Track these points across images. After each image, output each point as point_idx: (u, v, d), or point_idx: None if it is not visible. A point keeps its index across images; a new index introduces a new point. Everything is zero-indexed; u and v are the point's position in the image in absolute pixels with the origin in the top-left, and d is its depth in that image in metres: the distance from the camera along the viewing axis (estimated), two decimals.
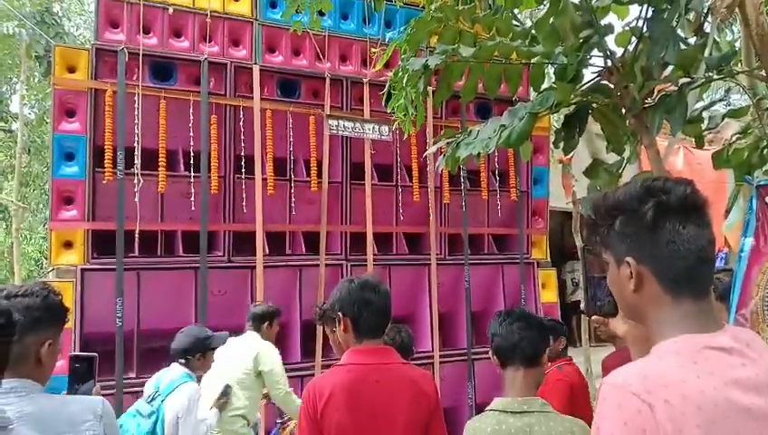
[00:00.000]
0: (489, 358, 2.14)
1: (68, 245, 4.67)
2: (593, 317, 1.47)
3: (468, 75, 2.15)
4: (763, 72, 2.02)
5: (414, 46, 2.37)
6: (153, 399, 3.25)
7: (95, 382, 1.91)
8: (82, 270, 4.60)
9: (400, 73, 2.79)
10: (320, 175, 5.27)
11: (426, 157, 5.52)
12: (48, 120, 10.67)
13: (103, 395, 1.86)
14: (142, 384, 4.62)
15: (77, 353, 2.00)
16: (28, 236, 14.12)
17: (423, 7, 4.53)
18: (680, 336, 1.11)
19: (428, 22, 2.08)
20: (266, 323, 4.26)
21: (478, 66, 2.05)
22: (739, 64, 2.94)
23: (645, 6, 1.85)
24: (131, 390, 4.54)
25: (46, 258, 14.84)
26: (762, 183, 2.21)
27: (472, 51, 1.84)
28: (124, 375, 4.55)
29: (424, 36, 2.18)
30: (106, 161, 4.60)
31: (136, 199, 4.63)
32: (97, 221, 4.68)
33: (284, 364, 5.15)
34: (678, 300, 1.13)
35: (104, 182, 4.63)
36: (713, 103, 2.59)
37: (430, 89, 2.38)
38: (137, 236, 4.68)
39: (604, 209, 1.21)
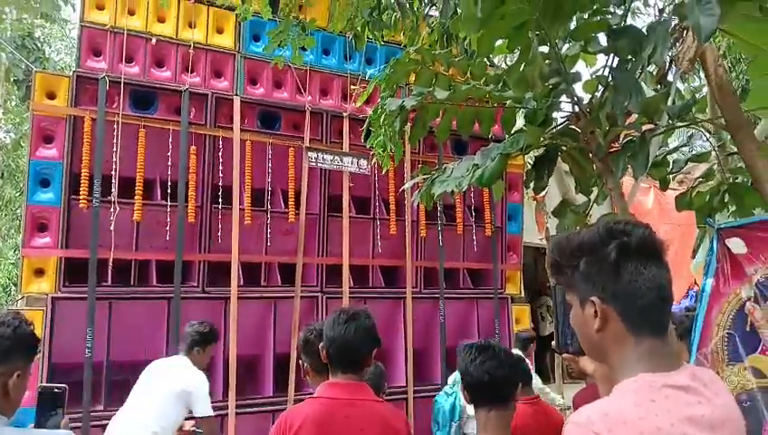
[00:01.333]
0: None
1: (39, 272, 4.60)
2: (564, 355, 1.51)
3: (443, 116, 2.22)
4: (723, 120, 2.13)
5: (392, 86, 2.45)
6: None
7: (64, 415, 1.88)
8: (53, 298, 4.53)
9: (379, 111, 2.87)
10: (297, 206, 5.30)
11: (403, 191, 5.60)
12: (24, 145, 10.59)
13: (71, 428, 1.84)
14: (110, 417, 4.53)
15: (45, 385, 1.97)
16: None
17: (404, 46, 4.67)
18: (640, 375, 1.15)
19: (406, 63, 2.16)
20: (198, 348, 3.85)
21: (452, 108, 2.13)
22: (706, 111, 3.08)
23: (611, 56, 1.94)
24: (98, 423, 4.45)
25: (15, 285, 14.53)
26: (722, 226, 2.30)
27: (446, 94, 1.92)
28: (91, 407, 4.45)
29: (402, 77, 2.25)
30: (82, 188, 4.58)
31: (111, 228, 4.60)
32: (70, 249, 4.63)
33: (256, 398, 5.12)
34: (639, 339, 1.18)
35: (79, 209, 4.60)
36: (677, 148, 2.69)
37: (408, 126, 2.45)
38: (110, 264, 4.64)
39: (569, 251, 1.26)
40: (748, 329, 2.27)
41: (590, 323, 1.22)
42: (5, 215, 12.54)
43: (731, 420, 1.18)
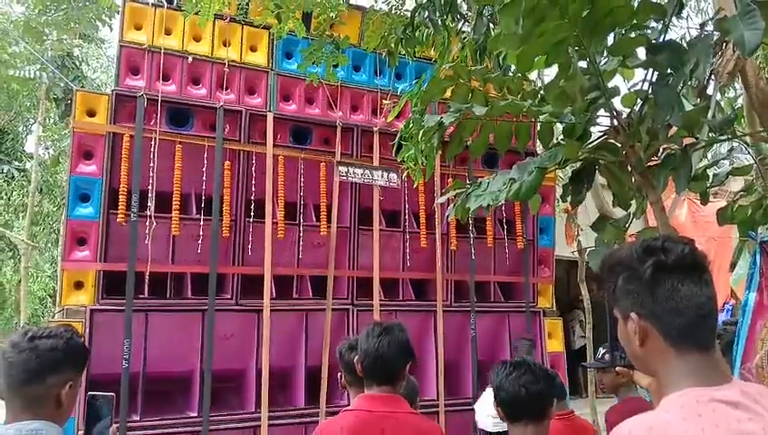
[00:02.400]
0: None
1: (79, 285, 4.73)
2: (617, 368, 1.51)
3: (480, 131, 2.24)
4: (764, 133, 2.11)
5: (426, 101, 2.47)
6: None
7: (112, 422, 1.93)
8: (92, 310, 4.64)
9: (411, 126, 2.89)
10: (329, 220, 5.35)
11: (433, 203, 5.61)
12: (62, 161, 10.89)
13: None
14: (145, 428, 4.63)
15: (94, 393, 2.03)
16: (35, 275, 14.17)
17: (434, 61, 4.70)
18: (686, 389, 1.15)
19: (442, 81, 2.18)
20: None
21: (490, 123, 2.14)
22: (743, 124, 3.04)
23: (650, 70, 1.94)
24: (135, 433, 4.53)
25: (51, 297, 14.89)
26: (765, 239, 2.26)
27: (484, 109, 1.94)
28: (128, 418, 4.53)
29: (437, 93, 2.28)
30: (120, 203, 4.70)
31: (147, 241, 4.70)
32: (108, 262, 4.74)
33: (288, 410, 5.15)
34: (682, 354, 1.18)
35: (117, 224, 4.71)
36: (717, 161, 2.66)
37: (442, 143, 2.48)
38: (147, 277, 4.74)
39: (609, 267, 1.28)
40: None
41: (633, 339, 1.22)
42: (44, 229, 12.89)
43: None
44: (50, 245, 13.72)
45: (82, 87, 8.73)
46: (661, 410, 1.15)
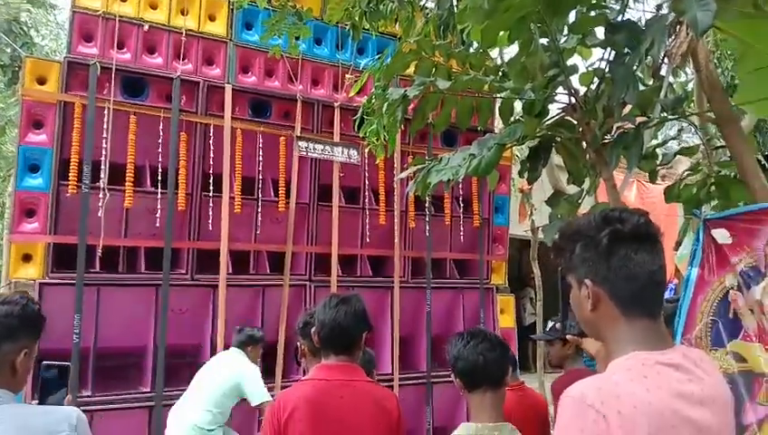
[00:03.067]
0: (448, 381, 2.17)
1: (27, 258, 4.58)
2: (568, 336, 1.57)
3: (442, 106, 2.27)
4: (712, 115, 2.21)
5: (390, 76, 2.49)
6: None
7: (68, 392, 1.91)
8: (41, 284, 4.51)
9: (374, 100, 2.90)
10: (287, 195, 5.32)
11: (392, 181, 5.64)
12: (8, 131, 10.43)
13: None
14: (97, 403, 4.55)
15: (49, 362, 1.99)
16: None
17: (398, 37, 4.69)
18: (632, 353, 1.22)
19: (406, 54, 2.19)
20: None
21: (452, 98, 2.17)
22: (692, 105, 3.16)
23: (608, 49, 2.00)
24: (86, 408, 4.44)
25: None
26: (708, 217, 2.38)
27: (448, 84, 1.96)
28: (78, 394, 4.45)
29: (400, 67, 2.29)
30: (71, 174, 4.55)
31: (100, 214, 4.59)
32: (59, 235, 4.61)
33: None
34: (631, 319, 1.25)
35: (68, 195, 4.58)
36: (666, 141, 2.77)
37: (405, 117, 2.49)
38: (99, 251, 4.64)
39: (567, 235, 1.34)
40: (731, 316, 2.35)
41: (585, 304, 1.29)
42: None
43: (720, 398, 1.25)
44: None
45: (31, 54, 8.36)
46: (609, 373, 1.22)
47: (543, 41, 1.85)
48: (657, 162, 2.57)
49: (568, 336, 1.55)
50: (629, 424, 1.09)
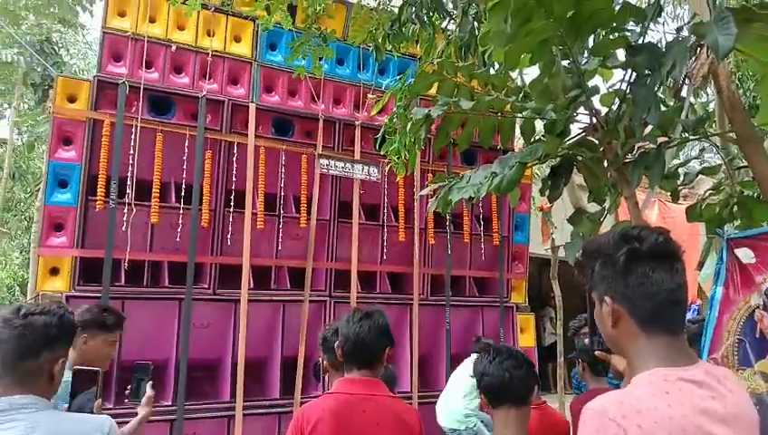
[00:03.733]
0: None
1: (55, 271, 4.69)
2: (597, 352, 1.59)
3: (465, 125, 2.31)
4: (734, 135, 2.22)
5: (413, 95, 2.54)
6: None
7: (98, 397, 1.96)
8: (68, 297, 4.60)
9: (396, 119, 2.95)
10: (308, 212, 5.39)
11: (412, 198, 5.68)
12: (36, 148, 10.69)
13: None
14: (118, 416, 4.59)
15: (79, 368, 2.05)
16: (3, 262, 13.89)
17: (418, 58, 4.76)
18: (654, 369, 1.23)
19: (429, 75, 2.25)
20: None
21: (475, 118, 2.21)
22: (713, 126, 3.16)
23: (628, 71, 2.03)
24: None
25: (20, 286, 14.58)
26: (731, 236, 2.38)
27: (471, 104, 2.00)
28: (102, 405, 4.50)
29: (423, 88, 2.34)
30: (99, 190, 4.67)
31: (125, 228, 4.69)
32: (86, 248, 4.72)
33: (263, 401, 5.17)
34: (651, 336, 1.26)
35: (95, 210, 4.68)
36: (688, 161, 2.78)
37: (428, 136, 2.54)
38: (124, 264, 4.73)
39: (588, 253, 1.36)
40: (758, 335, 2.34)
41: (606, 321, 1.30)
42: (15, 215, 12.64)
43: (744, 416, 1.24)
44: (19, 232, 13.46)
45: (61, 72, 8.60)
46: (632, 387, 1.23)
47: (565, 63, 1.89)
48: (679, 182, 2.58)
49: (596, 353, 1.56)
50: None
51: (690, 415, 1.15)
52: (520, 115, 2.17)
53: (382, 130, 3.29)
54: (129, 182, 4.76)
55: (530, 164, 2.26)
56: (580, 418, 1.22)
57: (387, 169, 3.75)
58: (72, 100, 4.78)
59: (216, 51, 5.29)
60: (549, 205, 6.95)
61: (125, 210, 4.72)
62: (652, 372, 1.22)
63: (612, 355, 1.57)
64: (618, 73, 2.18)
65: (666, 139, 2.04)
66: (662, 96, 1.99)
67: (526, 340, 6.44)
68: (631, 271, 1.26)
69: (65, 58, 10.74)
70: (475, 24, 2.98)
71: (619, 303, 1.27)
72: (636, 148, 2.21)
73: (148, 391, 2.64)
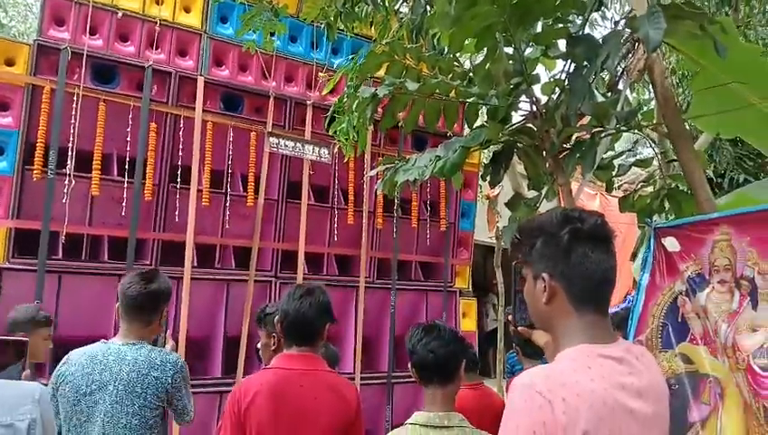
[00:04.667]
0: (409, 382, 2.25)
1: None
2: (519, 328, 1.65)
3: (411, 107, 2.34)
4: (665, 129, 2.33)
5: (363, 75, 2.55)
6: None
7: (25, 367, 1.92)
8: (1, 269, 4.44)
9: (346, 99, 2.96)
10: (256, 191, 5.34)
11: (362, 181, 5.70)
12: None
13: None
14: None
15: (4, 338, 2.00)
16: None
17: (374, 39, 4.76)
18: (579, 345, 1.30)
19: (378, 55, 2.26)
20: None
21: (421, 100, 2.25)
22: (651, 119, 3.28)
23: (568, 61, 2.10)
24: None
25: None
26: (658, 226, 2.50)
27: (417, 85, 2.03)
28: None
29: (373, 68, 2.35)
30: (37, 159, 4.50)
31: (64, 200, 4.54)
32: (21, 219, 4.55)
33: (205, 379, 5.13)
34: (582, 314, 1.33)
35: (33, 180, 4.52)
36: (622, 153, 2.90)
37: (375, 117, 2.56)
38: (62, 237, 4.59)
39: (528, 231, 1.41)
40: (679, 320, 2.48)
41: (540, 297, 1.36)
42: None
43: (657, 390, 1.34)
44: None
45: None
46: (557, 362, 1.30)
47: (508, 50, 1.94)
48: (614, 173, 2.68)
49: (519, 328, 1.62)
50: (573, 410, 1.17)
51: (610, 389, 1.22)
52: (464, 99, 2.21)
53: (332, 109, 3.29)
54: (69, 153, 4.60)
55: (473, 149, 2.31)
56: (507, 394, 1.28)
57: (336, 150, 3.75)
58: (9, 63, 4.56)
59: (163, 20, 5.13)
60: (495, 193, 7.10)
61: (65, 181, 4.56)
62: (576, 349, 1.29)
63: (534, 331, 1.64)
64: (560, 65, 2.25)
65: (600, 129, 2.12)
66: (598, 87, 2.07)
67: (468, 324, 6.59)
68: (573, 250, 1.31)
69: (4, 20, 10.19)
70: (428, 7, 2.99)
71: (557, 280, 1.33)
72: (573, 137, 2.29)
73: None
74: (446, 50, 2.47)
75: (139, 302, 2.49)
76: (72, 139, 4.60)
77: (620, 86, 2.22)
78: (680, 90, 6.58)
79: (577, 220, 1.33)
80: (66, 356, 2.47)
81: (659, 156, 2.79)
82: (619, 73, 2.15)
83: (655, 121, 2.78)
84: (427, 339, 2.14)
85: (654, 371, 1.39)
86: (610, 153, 2.61)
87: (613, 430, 1.20)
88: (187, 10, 5.31)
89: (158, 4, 5.14)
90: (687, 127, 2.77)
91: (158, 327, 2.63)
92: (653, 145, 2.82)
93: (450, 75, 2.20)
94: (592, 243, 1.32)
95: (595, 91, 1.94)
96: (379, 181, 2.75)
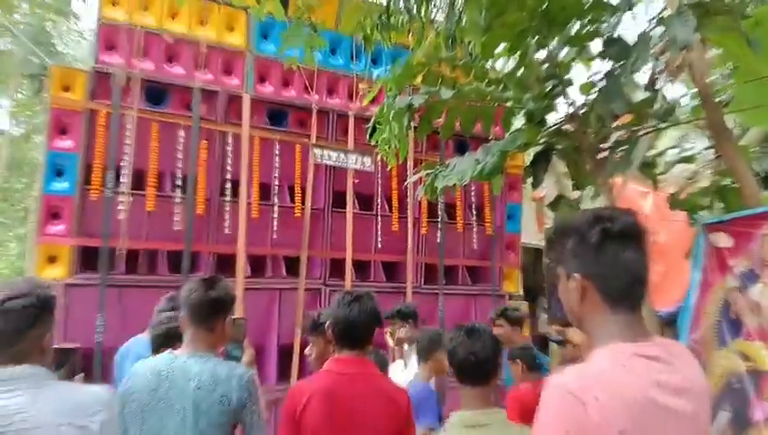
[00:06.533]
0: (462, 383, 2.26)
1: (53, 259, 4.76)
2: (553, 326, 1.66)
3: (447, 114, 2.38)
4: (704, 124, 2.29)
5: (400, 86, 2.60)
6: None
7: (76, 372, 2.02)
8: (66, 284, 4.68)
9: (386, 109, 3.02)
10: (303, 201, 5.46)
11: (406, 188, 5.75)
12: (33, 138, 10.72)
13: None
14: None
15: (59, 346, 2.11)
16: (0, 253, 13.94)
17: (411, 48, 4.82)
18: (613, 344, 1.30)
19: (414, 66, 2.31)
20: None
21: (456, 107, 2.28)
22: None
23: (606, 61, 2.10)
24: None
25: (19, 275, 14.63)
26: (707, 222, 2.46)
27: (451, 93, 2.07)
28: None
29: (409, 78, 2.40)
30: (95, 179, 4.73)
31: (121, 217, 4.75)
32: (83, 237, 4.79)
33: (260, 387, 5.25)
34: (614, 312, 1.33)
35: (92, 199, 4.75)
36: (665, 150, 2.86)
37: (413, 125, 2.61)
38: (121, 253, 4.80)
39: (561, 231, 1.43)
40: (733, 316, 2.42)
41: (573, 296, 1.37)
42: (12, 205, 12.68)
43: (696, 387, 1.31)
44: (16, 223, 13.51)
45: (55, 62, 8.62)
46: (590, 361, 1.30)
47: (542, 53, 1.96)
48: (659, 170, 2.65)
49: (554, 326, 1.63)
50: (607, 410, 1.17)
51: (644, 387, 1.22)
52: (500, 105, 2.24)
53: (373, 119, 3.35)
54: (125, 171, 4.82)
55: (511, 152, 2.33)
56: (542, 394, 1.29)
57: (379, 158, 3.82)
58: (67, 90, 4.83)
59: (209, 41, 5.33)
60: (541, 195, 7.02)
61: (120, 199, 4.78)
62: (610, 347, 1.29)
63: (569, 329, 1.64)
64: (602, 65, 2.24)
65: (638, 127, 2.11)
66: (631, 88, 2.06)
67: None
68: (603, 249, 1.32)
69: (59, 48, 10.73)
70: (462, 16, 3.03)
71: (589, 279, 1.34)
72: (613, 137, 2.28)
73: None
74: (478, 57, 2.50)
75: (202, 308, 2.40)
76: (127, 158, 4.82)
77: (659, 84, 2.20)
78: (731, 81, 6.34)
79: (607, 220, 1.33)
80: (132, 370, 2.39)
81: (706, 151, 2.74)
82: (657, 72, 2.13)
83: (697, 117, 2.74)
84: (471, 341, 2.17)
85: (694, 369, 1.37)
86: (654, 151, 2.58)
87: (649, 428, 1.19)
88: (231, 29, 5.49)
89: (202, 25, 5.34)
90: (736, 122, 2.71)
91: (225, 335, 2.51)
92: (696, 141, 2.77)
93: (485, 81, 2.23)
94: (623, 242, 1.32)
95: (635, 91, 1.94)
96: (420, 187, 2.80)
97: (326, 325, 2.44)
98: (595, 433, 1.16)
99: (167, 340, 2.95)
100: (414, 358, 3.92)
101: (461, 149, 6.25)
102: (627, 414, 1.18)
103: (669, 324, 2.55)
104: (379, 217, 5.86)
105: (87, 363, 4.45)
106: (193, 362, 2.32)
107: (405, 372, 4.07)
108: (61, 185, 4.77)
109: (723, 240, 2.44)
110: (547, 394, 1.25)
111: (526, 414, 3.12)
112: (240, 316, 2.89)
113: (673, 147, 3.10)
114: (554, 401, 1.22)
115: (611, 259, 1.32)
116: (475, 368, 2.12)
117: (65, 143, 4.79)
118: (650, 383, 1.23)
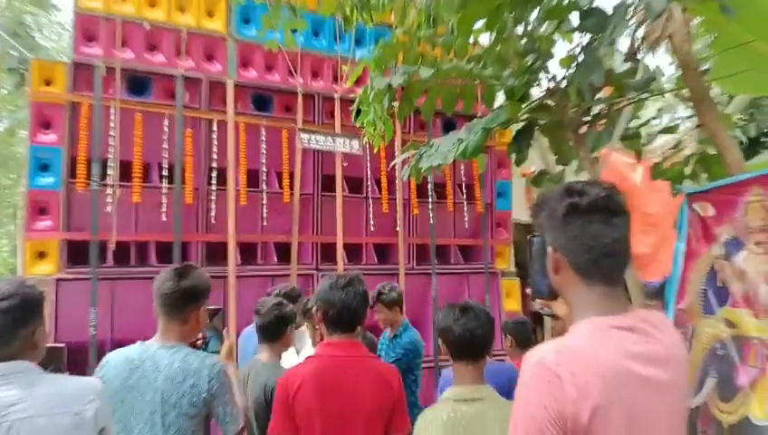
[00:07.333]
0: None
1: (42, 255, 4.74)
2: (538, 299, 1.67)
3: (428, 94, 2.36)
4: (685, 93, 2.29)
5: (381, 67, 2.58)
6: None
7: (64, 371, 2.04)
8: (57, 280, 4.67)
9: (368, 91, 3.00)
10: (292, 187, 5.44)
11: (395, 169, 5.73)
12: (18, 133, 10.60)
13: None
14: None
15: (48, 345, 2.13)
16: None
17: (394, 27, 4.77)
18: (590, 317, 1.31)
19: (394, 45, 2.29)
20: None
21: (436, 86, 2.27)
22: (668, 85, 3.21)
23: (584, 34, 2.09)
24: None
25: (11, 272, 14.57)
26: (690, 191, 2.47)
27: (430, 72, 2.06)
28: None
29: (390, 58, 2.38)
30: (80, 172, 4.70)
31: (109, 210, 4.73)
32: (71, 231, 4.76)
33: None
34: (590, 285, 1.33)
35: (79, 193, 4.72)
36: (647, 121, 2.86)
37: (396, 105, 2.59)
38: (111, 246, 4.78)
39: (537, 204, 1.43)
40: (719, 284, 2.44)
41: (550, 269, 1.38)
42: (0, 202, 12.59)
43: (675, 357, 1.32)
44: (5, 219, 13.42)
45: (38, 56, 8.51)
46: (568, 336, 1.31)
47: (520, 28, 1.94)
48: (642, 142, 2.65)
49: (537, 299, 1.64)
50: (582, 383, 1.17)
51: (621, 359, 1.22)
52: (480, 82, 2.22)
53: (357, 101, 3.32)
54: (110, 163, 4.79)
55: (494, 129, 2.32)
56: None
57: (365, 140, 3.80)
58: (48, 83, 4.78)
59: (189, 27, 5.26)
60: (531, 170, 7.02)
61: (108, 191, 4.75)
62: (587, 321, 1.30)
63: (554, 302, 1.65)
64: (577, 37, 2.23)
65: (621, 99, 2.11)
66: (609, 59, 2.05)
67: (511, 304, 6.58)
68: (570, 223, 1.32)
69: (40, 40, 10.58)
70: None
71: (559, 252, 1.35)
72: (597, 110, 2.28)
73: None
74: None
75: (174, 300, 2.34)
76: (112, 150, 4.78)
77: (640, 55, 2.19)
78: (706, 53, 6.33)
79: (576, 193, 1.33)
80: (104, 359, 2.36)
81: (685, 120, 2.74)
82: (638, 42, 2.12)
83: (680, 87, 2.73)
84: (465, 319, 2.20)
85: (673, 339, 1.38)
86: (636, 122, 2.57)
87: (626, 400, 1.20)
88: (211, 14, 5.43)
89: (182, 12, 5.27)
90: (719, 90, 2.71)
91: (199, 324, 2.46)
92: (680, 111, 2.77)
93: (466, 59, 2.21)
94: (591, 215, 1.31)
95: (616, 61, 1.93)
96: (405, 168, 2.79)
97: (314, 309, 2.44)
98: (572, 408, 1.17)
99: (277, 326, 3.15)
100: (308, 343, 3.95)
101: (449, 127, 6.23)
102: (603, 387, 1.18)
103: (661, 295, 2.56)
104: (370, 200, 5.85)
105: (81, 357, 4.45)
106: (163, 352, 2.29)
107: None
108: (46, 180, 4.74)
109: (706, 209, 2.45)
110: (525, 369, 1.26)
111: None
112: (217, 305, 2.84)
113: (654, 118, 3.10)
114: (532, 377, 1.23)
115: (579, 232, 1.31)
116: (471, 345, 2.16)
117: (49, 137, 4.76)
118: (626, 355, 1.24)
